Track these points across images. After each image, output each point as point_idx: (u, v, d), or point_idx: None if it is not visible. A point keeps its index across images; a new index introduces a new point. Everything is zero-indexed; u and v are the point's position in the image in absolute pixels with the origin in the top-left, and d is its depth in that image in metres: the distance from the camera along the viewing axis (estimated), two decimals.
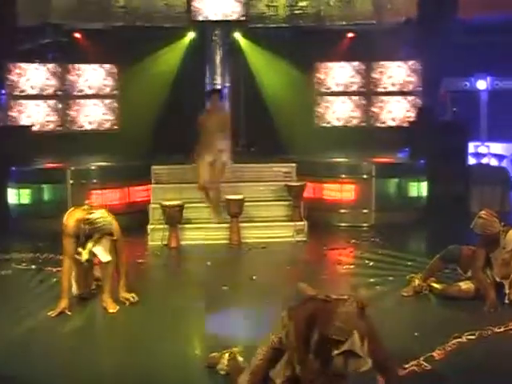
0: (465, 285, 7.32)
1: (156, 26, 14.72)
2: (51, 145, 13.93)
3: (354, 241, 10.91)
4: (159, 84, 14.89)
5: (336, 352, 3.83)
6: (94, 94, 15.27)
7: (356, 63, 15.54)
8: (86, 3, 14.49)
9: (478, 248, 7.30)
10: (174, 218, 10.58)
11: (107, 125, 15.34)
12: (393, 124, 15.50)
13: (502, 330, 6.31)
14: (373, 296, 7.34)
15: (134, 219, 11.25)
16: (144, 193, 12.27)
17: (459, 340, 5.98)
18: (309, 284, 4.58)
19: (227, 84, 15.12)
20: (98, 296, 7.39)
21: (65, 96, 15.10)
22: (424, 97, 15.32)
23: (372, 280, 8.28)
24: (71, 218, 7.13)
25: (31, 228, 11.61)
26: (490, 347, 5.96)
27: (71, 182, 11.93)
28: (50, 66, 14.90)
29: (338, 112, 15.71)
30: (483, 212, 7.22)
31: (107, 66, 15.25)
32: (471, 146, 14.62)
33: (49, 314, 6.93)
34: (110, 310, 7.09)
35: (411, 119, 15.06)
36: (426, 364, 5.44)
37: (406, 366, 5.35)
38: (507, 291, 7.17)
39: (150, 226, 10.91)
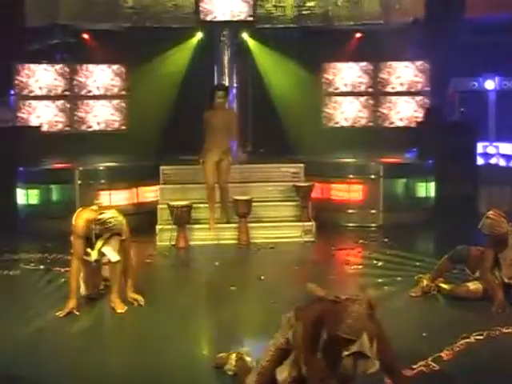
0: (473, 285, 7.31)
1: (164, 26, 14.73)
2: (59, 145, 13.95)
3: (361, 241, 10.91)
4: (167, 84, 14.89)
5: (345, 353, 3.83)
6: (103, 95, 15.28)
7: (364, 63, 15.51)
8: (95, 4, 14.52)
9: (486, 248, 7.28)
10: (182, 218, 10.58)
11: (115, 125, 15.37)
12: (401, 124, 15.47)
13: (510, 330, 6.29)
14: (381, 296, 7.33)
15: (142, 220, 11.27)
16: (152, 193, 12.28)
17: (467, 340, 5.97)
18: (317, 284, 4.58)
19: (235, 84, 15.12)
20: (106, 296, 7.40)
21: (73, 96, 15.12)
22: (432, 97, 15.29)
23: (380, 280, 8.28)
24: (80, 219, 7.13)
25: (39, 228, 11.64)
26: (498, 347, 5.95)
27: (79, 182, 11.95)
28: (59, 66, 14.93)
29: (346, 112, 15.68)
30: (491, 212, 7.20)
31: (115, 66, 15.26)
32: (480, 147, 14.57)
33: (57, 314, 6.94)
34: (119, 311, 7.10)
35: (419, 119, 15.04)
36: (434, 364, 5.43)
37: (414, 366, 5.34)
38: None
39: (158, 227, 10.93)
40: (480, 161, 14.81)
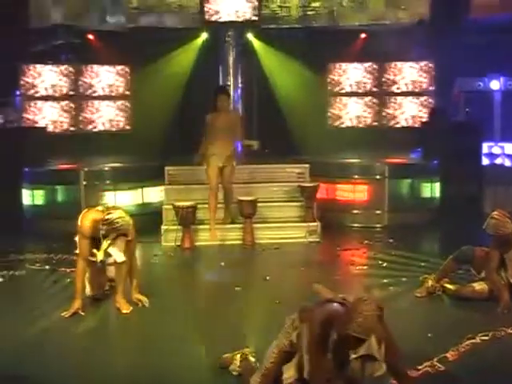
0: (478, 286, 7.30)
1: (169, 27, 14.75)
2: (64, 146, 13.98)
3: (367, 241, 10.90)
4: (172, 85, 14.91)
5: (353, 356, 3.83)
6: (107, 95, 15.30)
7: (369, 64, 15.52)
8: (99, 4, 14.54)
9: (491, 249, 7.27)
10: (187, 218, 10.58)
11: (120, 125, 15.39)
12: (406, 124, 15.47)
13: None
14: (386, 297, 7.34)
15: (147, 220, 11.24)
16: (157, 194, 12.28)
17: (473, 341, 5.96)
18: (322, 285, 4.58)
19: (240, 85, 15.14)
20: (112, 297, 7.41)
21: (78, 97, 15.14)
22: (437, 97, 15.29)
23: (385, 281, 8.27)
24: (86, 219, 7.13)
25: (45, 229, 11.65)
26: (503, 348, 5.94)
27: (84, 183, 11.96)
28: (64, 67, 14.94)
29: (351, 112, 15.69)
30: (496, 212, 7.19)
31: (120, 67, 15.28)
32: (485, 147, 14.54)
33: (62, 314, 6.95)
34: (124, 311, 7.11)
35: (424, 120, 15.03)
36: (439, 365, 5.43)
37: (420, 366, 5.34)
38: None
39: (163, 227, 10.94)
40: (485, 161, 14.78)
